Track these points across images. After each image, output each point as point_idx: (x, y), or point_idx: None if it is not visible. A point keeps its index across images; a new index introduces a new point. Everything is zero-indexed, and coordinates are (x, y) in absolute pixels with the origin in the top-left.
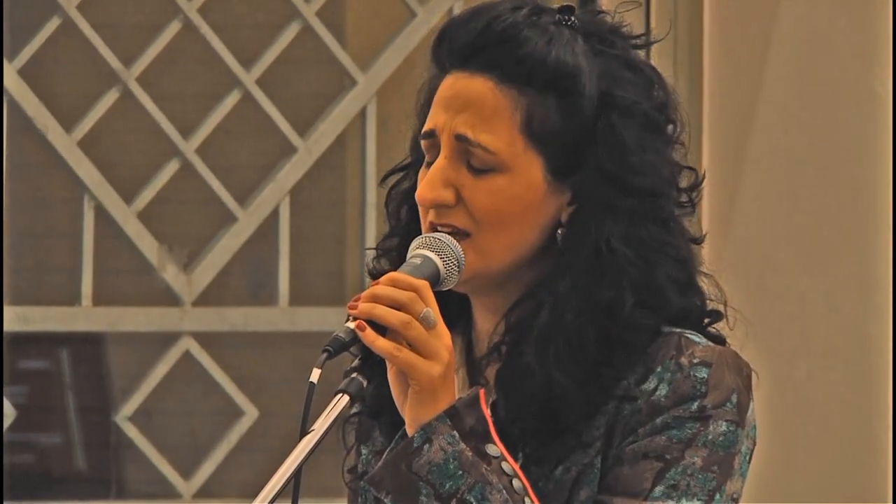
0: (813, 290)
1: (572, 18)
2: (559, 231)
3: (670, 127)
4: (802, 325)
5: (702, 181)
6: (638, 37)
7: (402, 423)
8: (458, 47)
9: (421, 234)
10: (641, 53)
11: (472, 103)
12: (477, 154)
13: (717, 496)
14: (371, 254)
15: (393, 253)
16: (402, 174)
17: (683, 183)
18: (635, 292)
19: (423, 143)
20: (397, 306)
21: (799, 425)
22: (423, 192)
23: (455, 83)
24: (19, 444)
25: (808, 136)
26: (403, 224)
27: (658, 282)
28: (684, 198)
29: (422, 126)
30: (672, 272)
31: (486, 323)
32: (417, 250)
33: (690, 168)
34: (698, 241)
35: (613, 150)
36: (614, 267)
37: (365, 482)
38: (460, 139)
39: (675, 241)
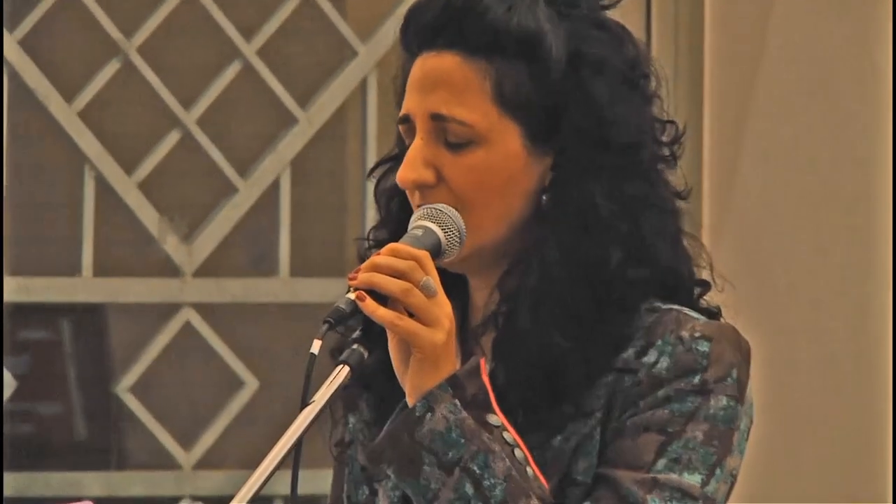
0: (813, 279)
1: None
2: (544, 196)
3: (644, 82)
4: (801, 319)
5: (683, 134)
6: None
7: (390, 395)
8: (422, 28)
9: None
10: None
11: (442, 81)
12: (452, 129)
13: (718, 471)
14: (363, 243)
15: (383, 243)
16: (389, 165)
17: (665, 137)
18: (623, 247)
19: (400, 128)
20: (398, 275)
21: (798, 425)
22: (403, 173)
23: (424, 64)
24: (19, 414)
25: (809, 118)
26: (393, 215)
27: (644, 234)
28: (666, 151)
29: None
30: (658, 224)
31: (481, 295)
32: (419, 221)
33: (671, 122)
34: (682, 195)
35: (586, 107)
36: (599, 224)
37: (366, 455)
38: (435, 118)
39: (660, 193)
